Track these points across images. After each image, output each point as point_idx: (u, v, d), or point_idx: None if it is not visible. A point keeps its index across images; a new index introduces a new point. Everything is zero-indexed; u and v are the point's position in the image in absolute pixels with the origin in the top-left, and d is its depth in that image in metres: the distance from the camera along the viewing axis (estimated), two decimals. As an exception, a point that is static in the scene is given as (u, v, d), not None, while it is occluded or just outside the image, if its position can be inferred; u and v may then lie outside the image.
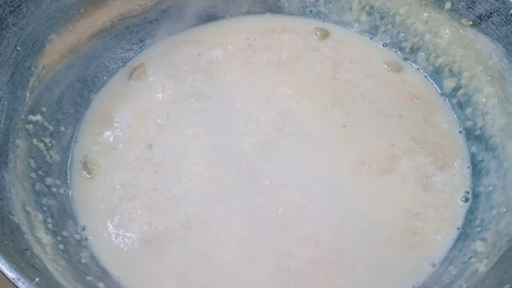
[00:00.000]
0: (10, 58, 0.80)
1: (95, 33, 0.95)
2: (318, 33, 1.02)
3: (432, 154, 0.87)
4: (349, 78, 0.95)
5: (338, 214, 0.81)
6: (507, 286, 0.59)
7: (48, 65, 0.87)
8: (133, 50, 1.00)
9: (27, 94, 0.83)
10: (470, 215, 0.81)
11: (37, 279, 0.61)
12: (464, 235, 0.79)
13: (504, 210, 0.76)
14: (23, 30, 0.82)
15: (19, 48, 0.82)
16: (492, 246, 0.72)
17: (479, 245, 0.75)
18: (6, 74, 0.79)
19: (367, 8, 1.01)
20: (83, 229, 0.81)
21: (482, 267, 0.70)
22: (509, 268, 0.65)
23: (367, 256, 0.77)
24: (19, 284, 0.58)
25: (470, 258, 0.74)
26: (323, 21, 1.04)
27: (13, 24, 0.80)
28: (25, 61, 0.83)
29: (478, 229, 0.78)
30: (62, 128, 0.88)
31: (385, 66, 0.98)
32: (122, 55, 0.99)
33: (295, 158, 0.86)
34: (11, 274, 0.59)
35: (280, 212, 0.81)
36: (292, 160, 0.85)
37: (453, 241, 0.79)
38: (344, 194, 0.82)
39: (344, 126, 0.89)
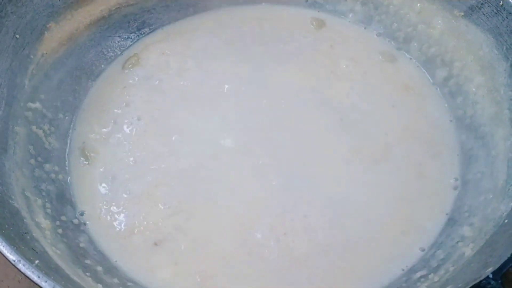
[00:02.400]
0: (9, 46, 0.81)
1: (93, 22, 0.95)
2: (314, 23, 1.02)
3: (424, 143, 0.88)
4: (346, 70, 0.96)
5: (333, 203, 0.81)
6: (491, 268, 0.61)
7: (46, 53, 0.88)
8: (131, 38, 1.00)
9: (26, 82, 0.83)
10: (459, 201, 0.82)
11: (36, 261, 0.61)
12: (452, 220, 0.80)
13: (491, 196, 0.77)
14: (22, 18, 0.83)
15: (18, 36, 0.82)
16: (479, 230, 0.73)
17: (466, 230, 0.76)
18: (5, 62, 0.80)
19: (361, -2, 1.01)
20: (82, 214, 0.82)
21: (468, 251, 0.71)
22: (494, 252, 0.66)
23: (361, 242, 0.78)
24: (20, 266, 0.59)
25: (457, 242, 0.75)
26: (318, 11, 1.04)
27: (12, 13, 0.81)
28: (24, 49, 0.83)
29: (466, 214, 0.79)
30: (60, 115, 0.89)
31: (380, 56, 0.98)
32: (119, 44, 0.99)
33: (290, 150, 0.86)
34: (11, 256, 0.60)
35: (274, 202, 0.82)
36: (287, 152, 0.86)
37: (442, 226, 0.80)
38: (339, 183, 0.83)
39: (341, 119, 0.89)
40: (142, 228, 0.80)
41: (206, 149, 0.87)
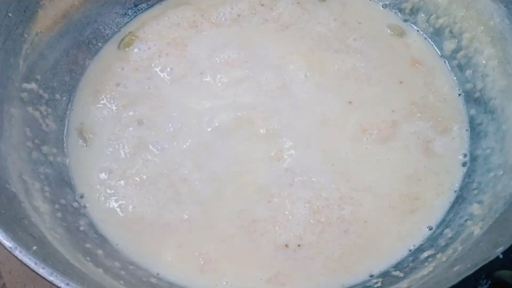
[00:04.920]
0: (1, 25, 0.79)
1: (88, -2, 0.94)
2: (317, -6, 0.99)
3: (433, 118, 0.86)
4: (355, 47, 0.93)
5: (341, 183, 0.80)
6: (501, 248, 0.59)
7: (41, 32, 0.86)
8: (128, 15, 0.99)
9: (21, 62, 0.82)
10: (468, 178, 0.81)
11: (34, 248, 0.60)
12: (461, 198, 0.79)
13: (501, 172, 0.76)
14: (14, -5, 0.80)
15: (10, 14, 0.80)
16: (488, 208, 0.72)
17: (475, 208, 0.75)
18: (-2, 42, 0.78)
19: (366, -33, 0.98)
20: (81, 196, 0.81)
21: (477, 230, 0.70)
22: (504, 231, 0.65)
23: (369, 221, 0.78)
24: (16, 253, 0.58)
25: (466, 221, 0.74)
26: (321, -18, 1.01)
27: (3, -10, 0.79)
28: (17, 27, 0.81)
29: (475, 192, 0.78)
30: (57, 96, 0.87)
31: (388, 30, 0.96)
32: (116, 20, 0.97)
33: (296, 131, 0.85)
34: (8, 243, 0.59)
35: (279, 183, 0.80)
36: (294, 133, 0.84)
37: (450, 204, 0.79)
38: (346, 163, 0.82)
39: (350, 102, 0.87)
40: (143, 210, 0.79)
41: (208, 129, 0.85)
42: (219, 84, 0.89)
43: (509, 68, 0.81)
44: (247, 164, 0.82)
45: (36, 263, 0.57)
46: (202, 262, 0.75)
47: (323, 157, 0.82)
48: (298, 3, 0.98)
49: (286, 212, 0.78)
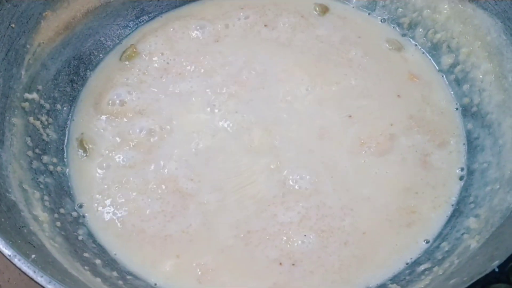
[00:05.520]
0: (4, 35, 0.80)
1: (90, 10, 0.95)
2: (317, 8, 1.00)
3: (430, 132, 0.87)
4: (355, 61, 0.94)
5: (340, 195, 0.81)
6: (497, 261, 0.60)
7: (43, 43, 0.87)
8: (129, 27, 1.00)
9: (23, 72, 0.83)
10: (465, 191, 0.81)
11: (33, 256, 0.61)
12: (458, 211, 0.80)
13: (497, 187, 0.76)
14: (17, 7, 0.82)
15: (13, 25, 0.81)
16: (485, 222, 0.73)
17: (472, 222, 0.75)
18: (1, 52, 0.79)
19: (365, -18, 0.99)
20: (80, 206, 0.81)
21: (474, 243, 0.70)
22: (500, 244, 0.65)
23: (367, 234, 0.78)
24: (15, 261, 0.58)
25: (462, 234, 0.75)
26: (322, -4, 1.02)
27: (6, 1, 0.80)
28: (19, 38, 0.82)
29: (472, 205, 0.78)
30: (58, 106, 0.88)
31: (387, 45, 0.97)
32: (118, 32, 0.98)
33: (296, 145, 0.85)
34: (7, 251, 0.59)
35: (279, 195, 0.81)
36: (293, 147, 0.85)
37: (447, 217, 0.80)
38: (345, 176, 0.82)
39: (350, 116, 0.88)
40: (142, 220, 0.80)
41: (210, 142, 0.86)
42: (221, 98, 0.90)
43: (506, 83, 0.82)
44: (249, 176, 0.83)
45: (35, 271, 0.58)
46: (200, 272, 0.75)
47: (322, 170, 0.83)
48: (302, 16, 0.99)
49: (287, 224, 0.78)
